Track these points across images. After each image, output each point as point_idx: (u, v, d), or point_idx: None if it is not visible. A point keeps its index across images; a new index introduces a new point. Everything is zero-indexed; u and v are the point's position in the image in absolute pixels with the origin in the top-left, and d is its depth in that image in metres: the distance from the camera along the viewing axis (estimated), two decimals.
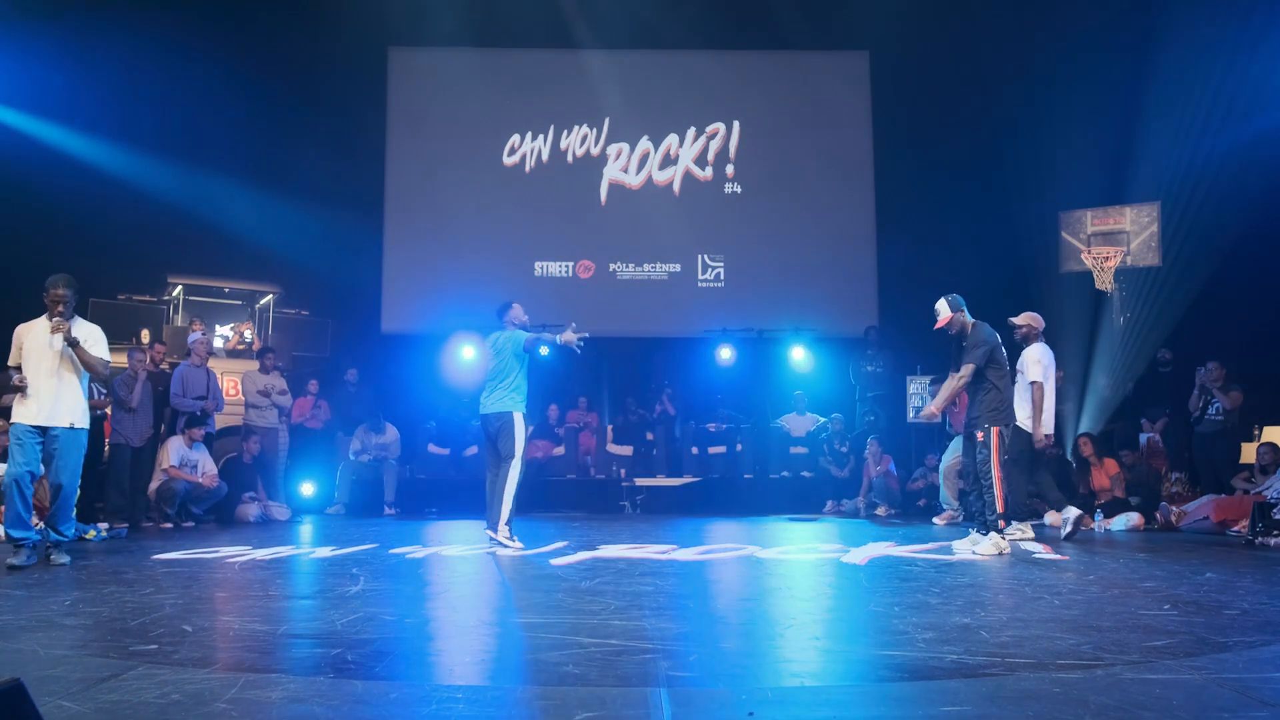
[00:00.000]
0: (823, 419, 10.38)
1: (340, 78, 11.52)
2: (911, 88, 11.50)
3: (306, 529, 7.56)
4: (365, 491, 9.41)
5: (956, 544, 5.72)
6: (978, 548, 5.48)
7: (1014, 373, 6.36)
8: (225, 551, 5.56)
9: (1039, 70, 10.65)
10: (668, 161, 12.06)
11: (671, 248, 11.85)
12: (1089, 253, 10.90)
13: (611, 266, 11.90)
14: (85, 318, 5.46)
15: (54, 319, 5.07)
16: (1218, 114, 9.87)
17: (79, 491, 5.39)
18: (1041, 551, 5.67)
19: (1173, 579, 4.47)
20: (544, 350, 6.91)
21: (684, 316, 11.72)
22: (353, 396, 10.08)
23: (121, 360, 7.81)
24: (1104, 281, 10.77)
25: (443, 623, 3.55)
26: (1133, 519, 7.61)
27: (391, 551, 5.56)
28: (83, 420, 5.21)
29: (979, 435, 5.72)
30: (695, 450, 10.56)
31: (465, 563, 5.18)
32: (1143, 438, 9.01)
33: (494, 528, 5.75)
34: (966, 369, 5.71)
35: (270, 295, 11.24)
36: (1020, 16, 10.57)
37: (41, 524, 5.30)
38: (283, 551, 5.68)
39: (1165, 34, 9.84)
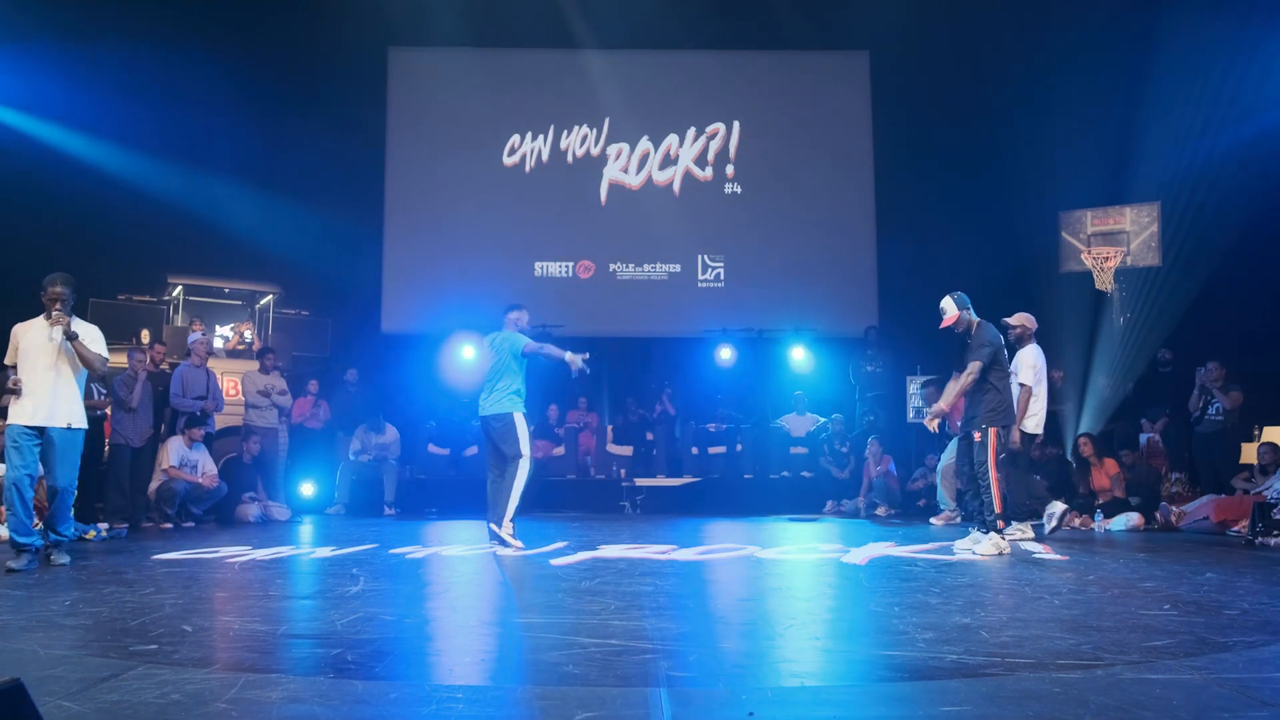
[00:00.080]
0: (823, 419, 10.38)
1: (340, 78, 11.51)
2: (911, 87, 11.49)
3: (306, 529, 7.56)
4: (365, 491, 9.42)
5: (957, 544, 5.72)
6: (978, 548, 5.48)
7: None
8: (225, 552, 5.55)
9: (1039, 70, 10.63)
10: (668, 161, 12.06)
11: (671, 248, 11.84)
12: (1089, 253, 10.90)
13: (611, 266, 11.90)
14: (85, 318, 5.45)
15: (53, 313, 5.05)
16: (1218, 114, 9.88)
17: (78, 492, 5.37)
18: (1041, 551, 5.67)
19: (1173, 579, 4.46)
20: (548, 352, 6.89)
21: (684, 316, 11.71)
22: (352, 396, 10.08)
23: (121, 360, 7.80)
24: (1104, 281, 10.77)
25: (443, 623, 3.54)
26: (1133, 519, 7.62)
27: (391, 551, 5.56)
28: (80, 421, 5.18)
29: (977, 436, 5.73)
30: (695, 450, 10.55)
31: (465, 563, 5.18)
32: (1143, 438, 9.01)
33: (498, 522, 5.73)
34: (973, 366, 5.71)
35: (270, 295, 11.25)
36: (1020, 17, 10.57)
37: (41, 525, 5.29)
38: (283, 552, 5.68)
39: (1165, 34, 9.83)
